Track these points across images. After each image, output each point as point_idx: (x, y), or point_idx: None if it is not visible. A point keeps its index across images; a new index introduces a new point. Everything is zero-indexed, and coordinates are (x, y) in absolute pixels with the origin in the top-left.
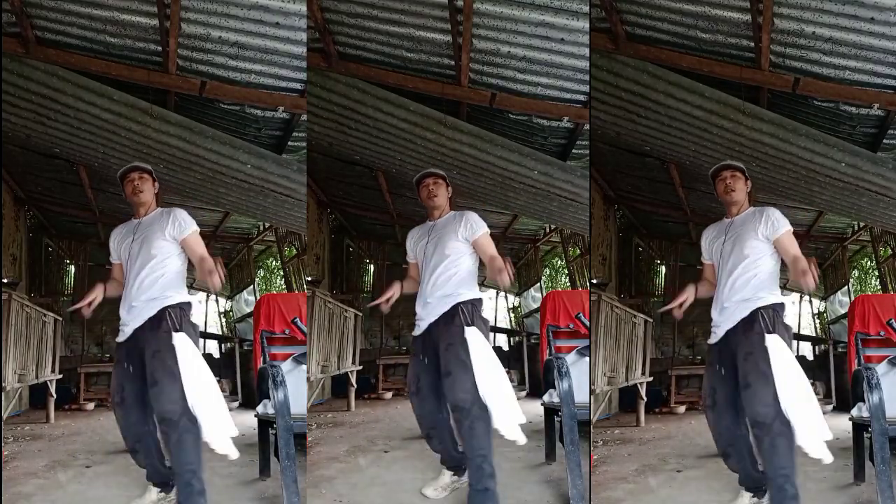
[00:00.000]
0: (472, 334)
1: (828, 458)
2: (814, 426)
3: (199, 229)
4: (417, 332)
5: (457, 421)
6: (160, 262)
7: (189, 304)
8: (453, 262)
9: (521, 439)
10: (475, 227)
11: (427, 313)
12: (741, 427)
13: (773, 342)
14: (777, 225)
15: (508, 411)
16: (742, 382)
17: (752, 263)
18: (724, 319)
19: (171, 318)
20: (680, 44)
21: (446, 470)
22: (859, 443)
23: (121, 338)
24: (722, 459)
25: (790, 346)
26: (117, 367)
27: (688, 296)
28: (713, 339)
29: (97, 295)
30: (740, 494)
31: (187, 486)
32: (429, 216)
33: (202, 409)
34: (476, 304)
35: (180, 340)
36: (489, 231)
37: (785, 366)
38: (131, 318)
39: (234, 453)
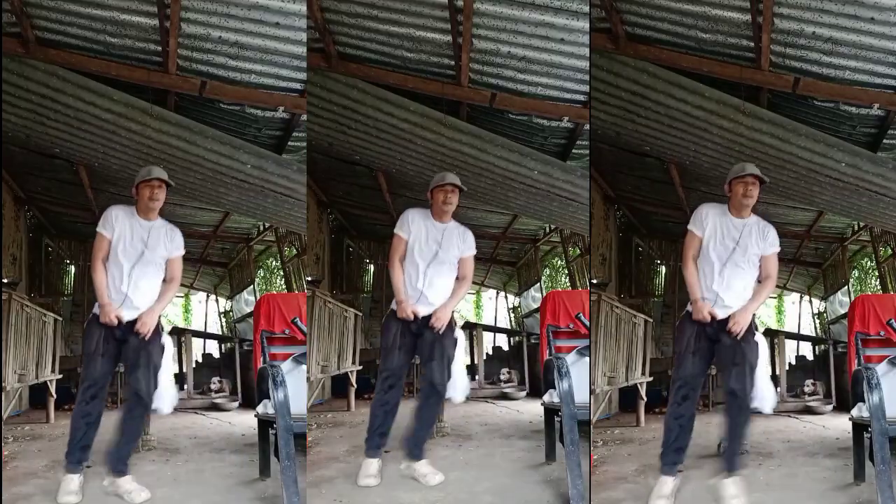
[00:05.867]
0: (460, 335)
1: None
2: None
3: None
4: (403, 314)
5: (434, 395)
6: (156, 274)
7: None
8: (452, 274)
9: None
10: (470, 247)
11: (424, 308)
12: (702, 379)
13: (762, 341)
14: (773, 245)
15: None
16: (728, 360)
17: (748, 272)
18: (719, 310)
19: (159, 323)
20: (680, 44)
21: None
22: (859, 443)
23: (103, 318)
24: (676, 405)
25: None
26: (96, 329)
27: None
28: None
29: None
30: (662, 481)
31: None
32: (437, 216)
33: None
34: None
35: (167, 340)
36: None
37: (766, 360)
38: (123, 310)
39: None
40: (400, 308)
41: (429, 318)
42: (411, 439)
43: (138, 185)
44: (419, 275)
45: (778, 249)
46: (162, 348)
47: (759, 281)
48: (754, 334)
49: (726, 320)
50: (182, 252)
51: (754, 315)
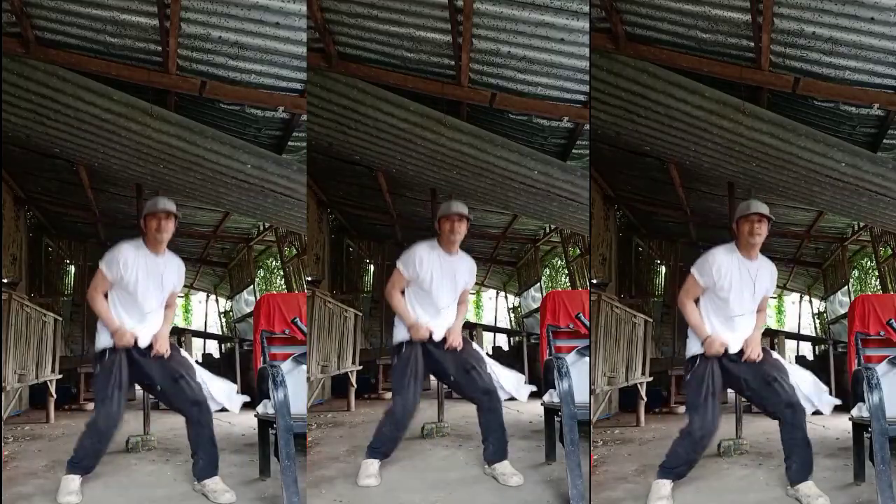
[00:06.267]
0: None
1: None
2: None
3: None
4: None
5: (487, 404)
6: (163, 302)
7: None
8: (455, 300)
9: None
10: (474, 275)
11: (436, 335)
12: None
13: (780, 357)
14: (775, 281)
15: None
16: (763, 382)
17: (755, 311)
18: (732, 345)
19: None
20: (680, 44)
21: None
22: (859, 443)
23: (119, 342)
24: (698, 449)
25: None
26: (112, 364)
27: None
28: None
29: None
30: (660, 484)
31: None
32: (445, 246)
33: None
34: None
35: (187, 356)
36: None
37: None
38: (144, 339)
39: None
40: (414, 331)
41: (443, 341)
42: (491, 450)
43: (145, 217)
44: (434, 307)
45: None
46: (185, 359)
47: None
48: (770, 353)
49: (740, 353)
50: (182, 285)
51: None
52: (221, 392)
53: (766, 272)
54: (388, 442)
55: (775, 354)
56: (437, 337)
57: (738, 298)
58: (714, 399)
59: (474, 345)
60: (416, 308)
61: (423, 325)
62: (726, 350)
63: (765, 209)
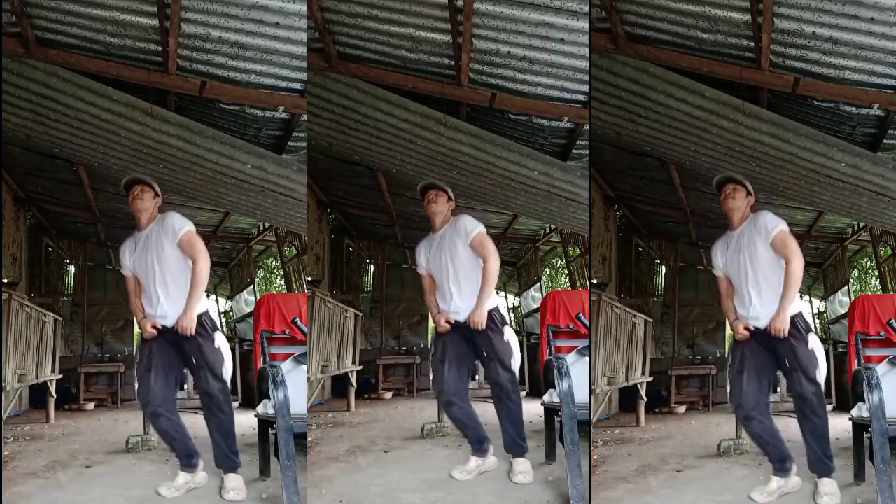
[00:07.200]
0: (510, 335)
1: None
2: None
3: (192, 228)
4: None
5: (496, 396)
6: (177, 271)
7: (207, 310)
8: (472, 271)
9: None
10: (469, 229)
11: (461, 315)
12: (766, 395)
13: (815, 341)
14: (769, 227)
15: None
16: (791, 365)
17: (770, 273)
18: (756, 322)
19: (208, 322)
20: (680, 44)
21: (473, 456)
22: (859, 443)
23: (144, 334)
24: (744, 426)
25: None
26: (142, 351)
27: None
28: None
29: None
30: (770, 479)
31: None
32: (432, 227)
33: None
34: (497, 309)
35: (221, 340)
36: (484, 230)
37: (824, 360)
38: (162, 320)
39: None
40: (436, 324)
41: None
42: (505, 439)
43: (127, 198)
44: (446, 290)
45: (781, 227)
46: (217, 349)
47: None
48: (807, 340)
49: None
50: (185, 228)
51: (798, 316)
52: None
53: (748, 228)
54: (467, 432)
55: (812, 344)
56: (461, 318)
57: (738, 270)
58: (741, 376)
59: (506, 330)
60: (437, 298)
61: (441, 318)
62: (757, 328)
63: (734, 175)
